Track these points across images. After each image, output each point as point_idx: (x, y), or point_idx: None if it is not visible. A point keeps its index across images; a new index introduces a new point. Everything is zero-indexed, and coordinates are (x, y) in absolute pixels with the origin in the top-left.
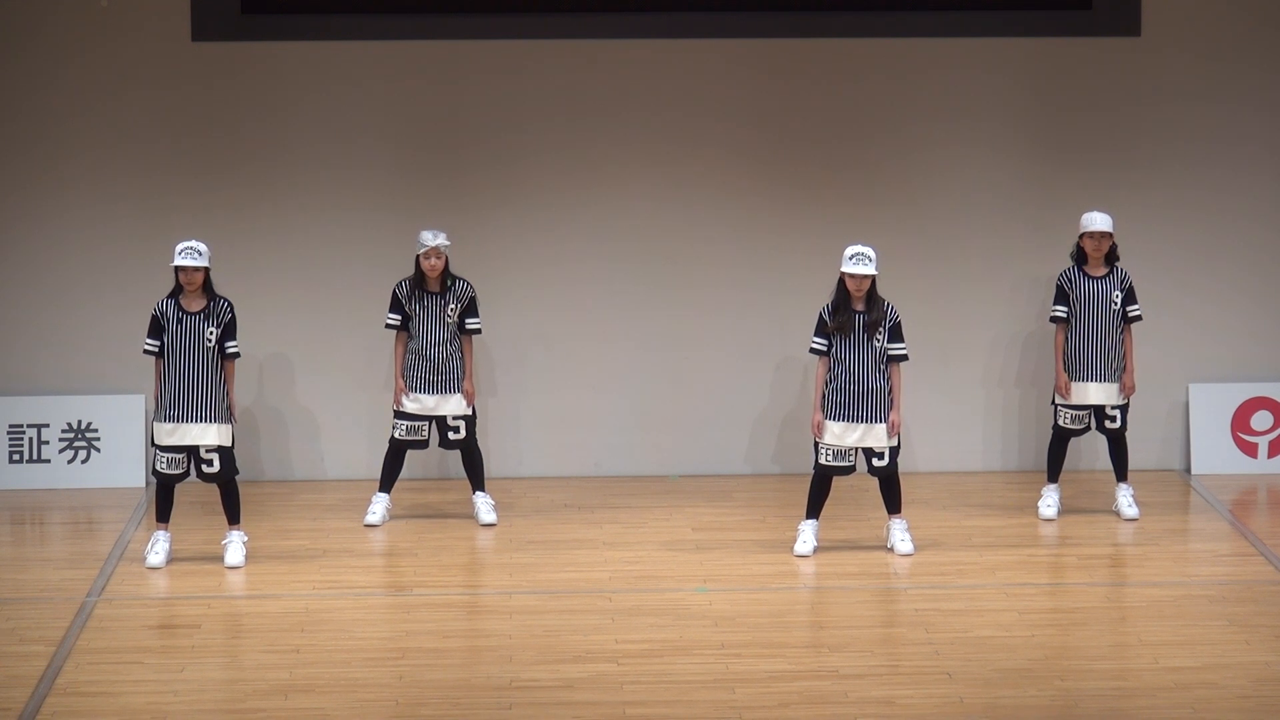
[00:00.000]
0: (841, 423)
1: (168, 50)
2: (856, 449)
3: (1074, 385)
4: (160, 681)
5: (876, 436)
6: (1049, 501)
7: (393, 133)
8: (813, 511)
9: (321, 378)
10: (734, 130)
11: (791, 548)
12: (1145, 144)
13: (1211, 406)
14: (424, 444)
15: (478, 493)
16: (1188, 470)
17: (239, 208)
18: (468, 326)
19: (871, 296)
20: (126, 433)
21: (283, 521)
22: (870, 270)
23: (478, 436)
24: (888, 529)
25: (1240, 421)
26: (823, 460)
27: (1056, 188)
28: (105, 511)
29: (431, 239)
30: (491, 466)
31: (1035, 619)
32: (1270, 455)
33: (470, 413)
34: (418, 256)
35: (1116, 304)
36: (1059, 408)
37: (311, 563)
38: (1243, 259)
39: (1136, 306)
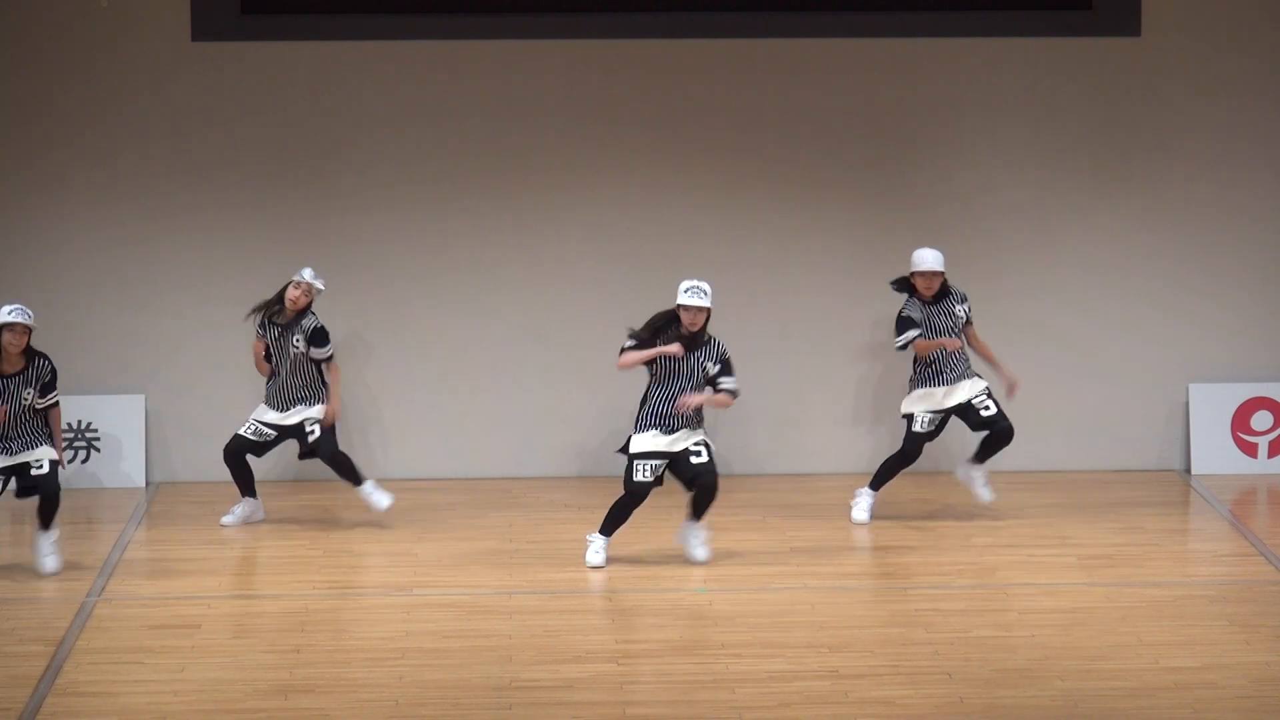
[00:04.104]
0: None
1: (168, 50)
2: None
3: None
4: (160, 681)
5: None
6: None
7: (392, 132)
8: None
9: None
10: (733, 130)
11: (790, 548)
12: (1144, 143)
13: (1211, 406)
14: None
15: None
16: (1188, 470)
17: (238, 207)
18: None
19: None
20: (126, 433)
21: (282, 522)
22: (706, 303)
23: (480, 435)
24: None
25: (1240, 421)
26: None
27: (1056, 187)
28: (105, 511)
29: (309, 275)
30: (492, 466)
31: (1035, 619)
32: (1270, 455)
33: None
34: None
35: (960, 316)
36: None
37: (311, 563)
38: (1243, 259)
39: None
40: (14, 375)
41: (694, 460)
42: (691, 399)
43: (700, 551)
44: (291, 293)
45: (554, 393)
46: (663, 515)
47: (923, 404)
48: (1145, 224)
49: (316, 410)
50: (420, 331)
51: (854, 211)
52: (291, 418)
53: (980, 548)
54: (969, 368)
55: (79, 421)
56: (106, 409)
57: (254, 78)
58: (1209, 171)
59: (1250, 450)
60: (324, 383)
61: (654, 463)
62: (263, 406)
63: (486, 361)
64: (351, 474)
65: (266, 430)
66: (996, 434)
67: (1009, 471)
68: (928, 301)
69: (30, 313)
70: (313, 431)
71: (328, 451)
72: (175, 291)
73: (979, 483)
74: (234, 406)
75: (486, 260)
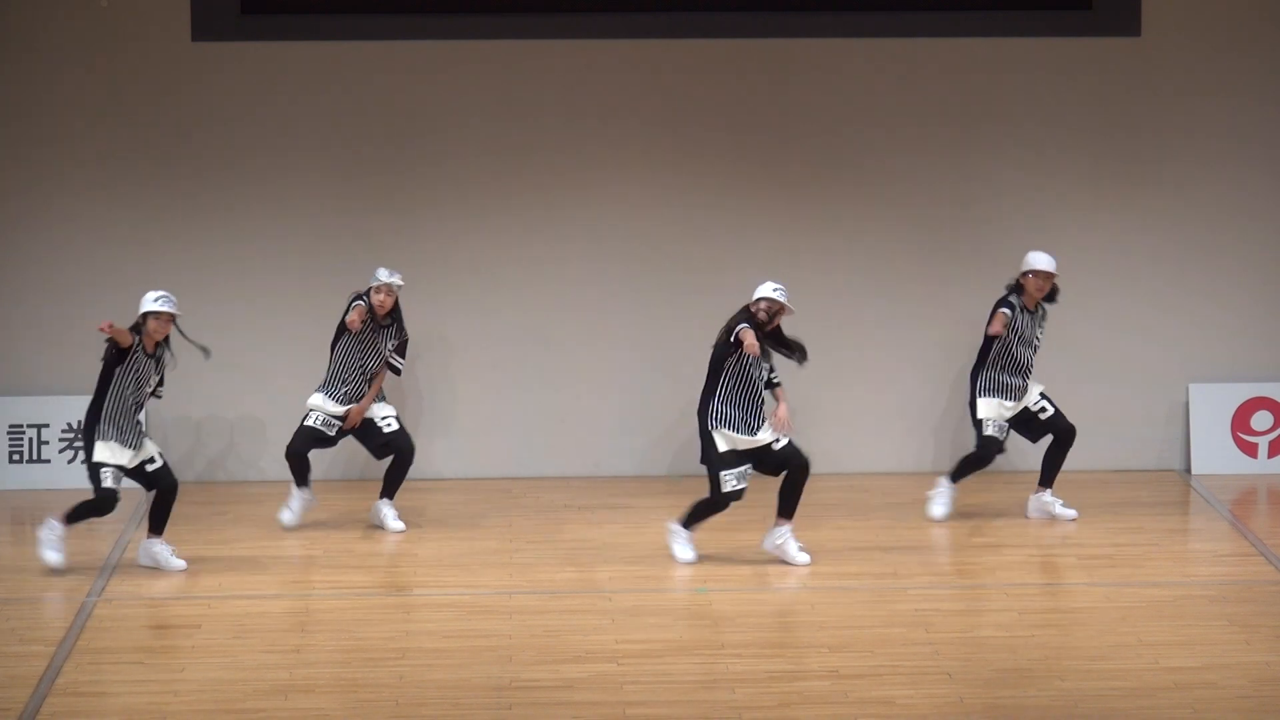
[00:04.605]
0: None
1: (168, 50)
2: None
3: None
4: (160, 682)
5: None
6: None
7: (392, 132)
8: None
9: (321, 378)
10: (733, 130)
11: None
12: (1145, 143)
13: (1211, 406)
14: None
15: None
16: (1188, 470)
17: (238, 207)
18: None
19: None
20: None
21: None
22: (787, 302)
23: (480, 435)
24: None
25: (1240, 422)
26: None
27: (1057, 188)
28: None
29: (388, 275)
30: (493, 467)
31: (1035, 619)
32: (1270, 455)
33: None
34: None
35: (1040, 334)
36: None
37: (312, 563)
38: (1243, 258)
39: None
40: (150, 357)
41: (776, 448)
42: (785, 413)
43: (802, 555)
44: (375, 298)
45: (554, 393)
46: (664, 515)
47: (993, 411)
48: (1145, 224)
49: (381, 405)
50: (420, 331)
51: (854, 211)
52: (372, 413)
53: (980, 547)
54: (1029, 378)
55: (78, 421)
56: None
57: (254, 78)
58: (1209, 171)
59: (1250, 450)
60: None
61: (741, 469)
62: (319, 396)
63: (486, 361)
64: (400, 480)
65: (334, 420)
66: (1058, 438)
67: (1009, 472)
68: (1027, 307)
69: (175, 300)
70: (390, 422)
71: (409, 445)
72: (175, 292)
73: (1058, 506)
74: (234, 407)
75: (487, 260)
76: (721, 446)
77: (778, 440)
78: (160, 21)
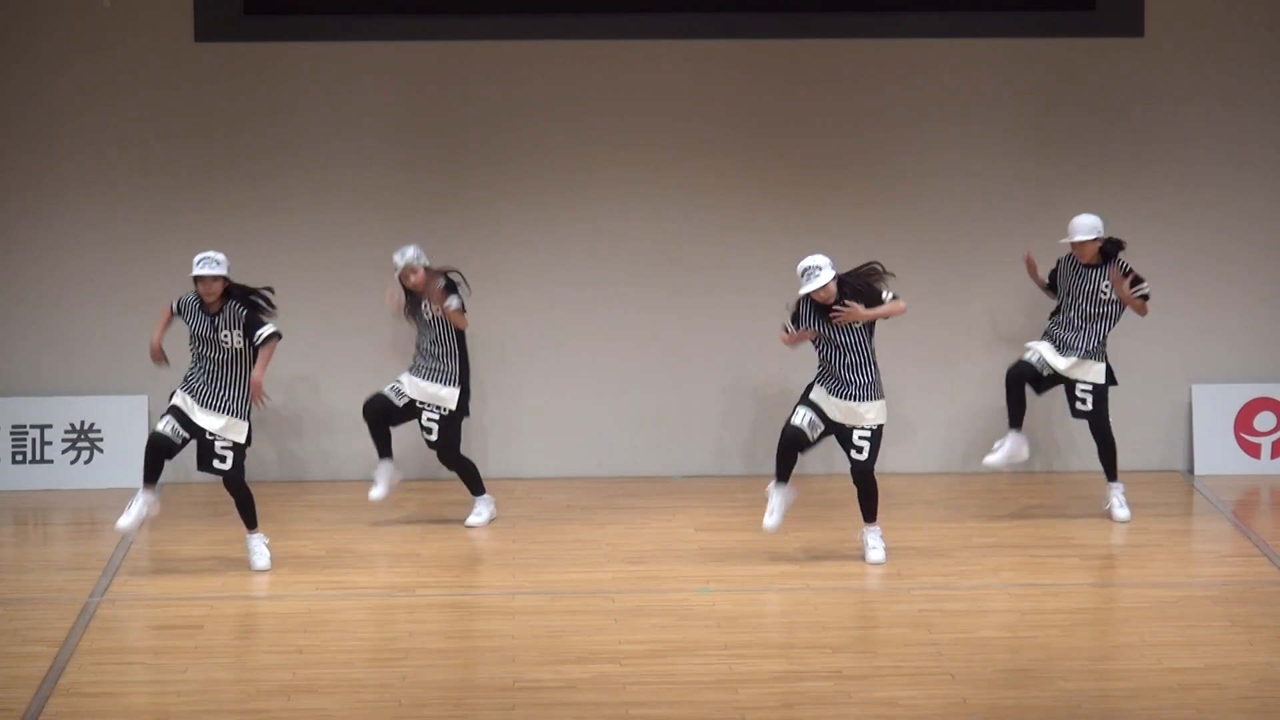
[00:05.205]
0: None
1: (170, 51)
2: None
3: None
4: (163, 682)
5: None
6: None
7: (395, 133)
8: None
9: (325, 378)
10: (735, 130)
11: (793, 548)
12: (1148, 144)
13: (1214, 407)
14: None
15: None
16: (1190, 471)
17: (241, 208)
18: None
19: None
20: (129, 433)
21: (286, 522)
22: (824, 281)
23: (482, 435)
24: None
25: (1243, 422)
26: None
27: (1059, 188)
28: (108, 512)
29: (400, 259)
30: (494, 467)
31: (1038, 620)
32: (1273, 456)
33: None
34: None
35: (1105, 294)
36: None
37: (315, 563)
38: (1246, 259)
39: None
40: (215, 315)
41: (852, 455)
42: (859, 309)
43: (871, 553)
44: (407, 284)
45: (556, 393)
46: (666, 515)
47: (1040, 348)
48: (1148, 224)
49: (446, 393)
50: None
51: (856, 211)
52: (416, 392)
53: (983, 548)
54: (1094, 349)
55: (81, 422)
56: (109, 410)
57: (256, 79)
58: (1212, 172)
59: (1253, 451)
60: (461, 353)
61: (813, 415)
62: (407, 375)
63: (487, 362)
64: (463, 477)
65: (403, 394)
66: (1094, 436)
67: (1012, 471)
68: (1085, 265)
69: (220, 259)
70: (430, 429)
71: (443, 450)
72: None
73: (1115, 504)
74: None
75: (488, 260)
76: (813, 395)
77: (858, 449)
78: (163, 22)
